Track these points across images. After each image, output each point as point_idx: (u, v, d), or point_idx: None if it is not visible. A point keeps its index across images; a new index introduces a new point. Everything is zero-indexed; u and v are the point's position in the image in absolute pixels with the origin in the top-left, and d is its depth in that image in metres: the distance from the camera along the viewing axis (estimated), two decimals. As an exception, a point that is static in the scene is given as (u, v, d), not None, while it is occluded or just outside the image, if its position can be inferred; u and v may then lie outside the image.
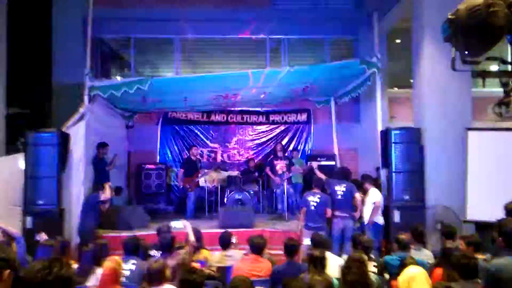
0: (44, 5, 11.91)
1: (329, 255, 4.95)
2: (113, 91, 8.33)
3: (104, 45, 12.78)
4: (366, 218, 7.68)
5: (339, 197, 7.70)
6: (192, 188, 10.07)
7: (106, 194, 7.63)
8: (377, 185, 8.23)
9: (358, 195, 7.79)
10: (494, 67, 3.39)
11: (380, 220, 7.69)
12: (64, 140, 7.89)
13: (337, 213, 7.58)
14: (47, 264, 2.12)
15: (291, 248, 5.19)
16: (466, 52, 2.96)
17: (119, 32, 12.59)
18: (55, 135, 7.77)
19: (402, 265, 4.53)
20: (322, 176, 8.18)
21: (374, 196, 7.66)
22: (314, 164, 9.67)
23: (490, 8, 2.78)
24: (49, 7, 11.97)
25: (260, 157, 12.33)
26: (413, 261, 4.62)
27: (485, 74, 3.19)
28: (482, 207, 7.27)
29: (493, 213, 6.32)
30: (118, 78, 12.32)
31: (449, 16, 3.01)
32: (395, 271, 4.72)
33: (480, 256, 4.59)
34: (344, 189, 7.79)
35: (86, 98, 8.29)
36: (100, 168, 8.94)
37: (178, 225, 6.38)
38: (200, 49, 13.05)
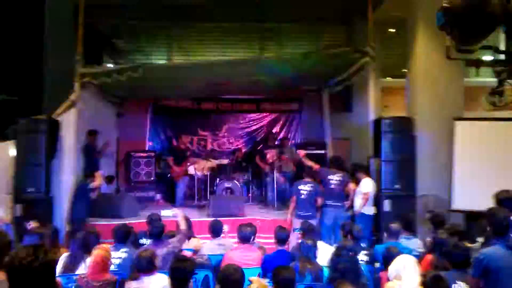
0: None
1: (319, 243, 4.96)
2: (104, 77, 8.24)
3: (95, 31, 12.61)
4: (357, 207, 7.68)
5: (333, 186, 7.70)
6: (179, 176, 10.02)
7: (97, 182, 7.58)
8: (368, 174, 8.23)
9: (351, 185, 7.81)
10: (487, 57, 3.37)
11: (370, 210, 7.67)
12: (54, 127, 7.81)
13: (330, 202, 7.57)
14: (32, 251, 2.09)
15: (281, 236, 5.19)
16: (461, 41, 2.94)
17: (111, 18, 12.43)
18: (45, 122, 7.68)
19: (388, 254, 4.54)
20: (312, 164, 8.14)
21: (366, 187, 7.65)
22: (301, 153, 9.60)
23: (485, -4, 2.77)
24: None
25: (250, 146, 12.29)
26: (396, 250, 4.63)
27: (479, 63, 3.17)
28: (470, 196, 7.32)
29: (481, 203, 6.39)
30: (110, 65, 12.19)
31: (444, 5, 2.98)
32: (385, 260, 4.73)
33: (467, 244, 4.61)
34: (340, 178, 7.79)
35: (77, 85, 8.20)
36: (90, 156, 8.88)
37: (169, 213, 6.36)
38: (192, 37, 12.94)
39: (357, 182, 7.96)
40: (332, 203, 7.58)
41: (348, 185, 7.73)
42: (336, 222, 7.54)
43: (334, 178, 7.73)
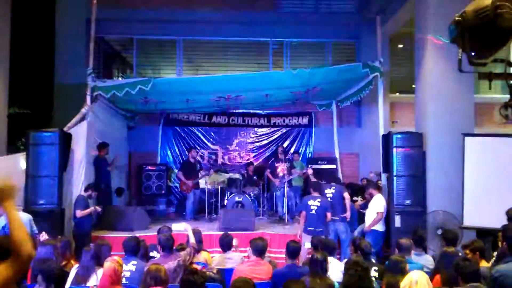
0: (48, 5, 11.94)
1: (330, 258, 4.93)
2: (115, 91, 8.34)
3: (106, 45, 12.80)
4: (368, 223, 7.63)
5: (329, 199, 7.71)
6: (188, 189, 10.04)
7: (85, 211, 7.55)
8: (380, 190, 8.20)
9: (347, 195, 7.81)
10: (499, 70, 3.36)
11: (380, 227, 7.61)
12: (65, 140, 7.86)
13: (329, 217, 7.59)
14: None
15: (293, 250, 5.16)
16: (473, 54, 2.94)
17: (121, 32, 12.60)
18: (57, 135, 7.71)
19: (400, 269, 4.50)
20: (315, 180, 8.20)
21: (380, 206, 7.55)
22: (310, 171, 9.64)
23: (497, 10, 2.77)
24: (52, 7, 12.01)
25: (261, 160, 12.30)
26: (405, 265, 4.59)
27: (491, 76, 3.16)
28: (480, 213, 7.23)
29: (492, 220, 6.33)
30: (120, 79, 12.33)
31: (456, 18, 2.99)
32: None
33: (485, 264, 4.56)
34: (334, 191, 7.80)
35: (88, 98, 8.29)
36: (101, 168, 8.94)
37: (179, 227, 6.36)
38: (202, 51, 13.07)
39: (364, 197, 7.95)
40: (331, 217, 7.58)
41: (344, 196, 7.76)
42: (337, 236, 7.52)
43: (330, 191, 7.85)
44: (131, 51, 12.85)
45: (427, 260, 5.73)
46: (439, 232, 7.18)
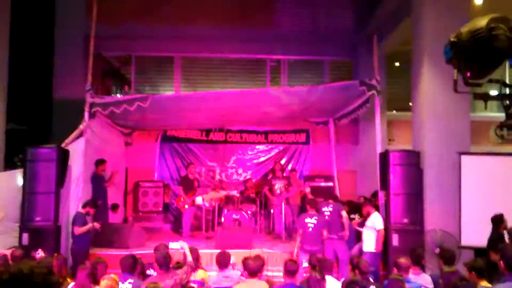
0: (47, 21, 12.03)
1: (328, 278, 4.91)
2: (113, 108, 8.34)
3: (104, 62, 12.85)
4: (366, 242, 7.54)
5: (326, 217, 7.69)
6: (185, 206, 10.00)
7: (82, 229, 7.51)
8: (376, 208, 8.18)
9: (344, 213, 7.79)
10: (494, 91, 3.40)
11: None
12: (63, 156, 7.85)
13: (326, 234, 7.56)
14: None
15: (291, 268, 5.13)
16: (468, 74, 2.97)
17: (120, 49, 12.67)
18: (54, 151, 7.70)
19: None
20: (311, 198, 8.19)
21: (378, 223, 7.50)
22: (307, 188, 9.64)
23: (492, 32, 2.81)
24: (51, 23, 12.10)
25: (258, 177, 12.28)
26: (403, 284, 4.58)
27: (487, 97, 3.20)
28: (479, 232, 7.18)
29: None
30: (118, 95, 12.36)
31: (452, 39, 3.04)
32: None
33: (484, 284, 4.53)
34: (331, 209, 7.78)
35: (86, 114, 8.30)
36: (98, 185, 8.91)
37: (176, 245, 6.34)
38: (200, 68, 13.15)
39: (361, 215, 7.93)
40: (329, 236, 7.54)
41: (342, 214, 7.76)
42: (336, 255, 7.48)
43: (327, 209, 7.85)
44: (129, 67, 12.91)
45: (425, 280, 5.70)
46: (437, 251, 7.15)
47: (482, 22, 2.90)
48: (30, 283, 1.89)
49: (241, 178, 12.25)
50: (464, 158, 7.73)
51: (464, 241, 7.48)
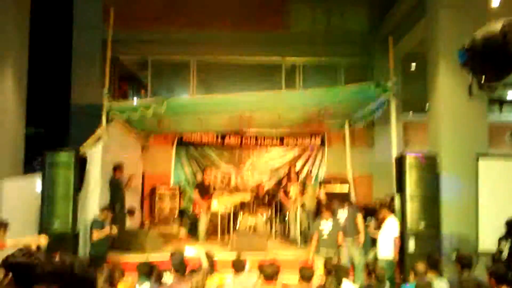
0: (65, 27, 12.21)
1: (344, 283, 4.89)
2: (130, 112, 8.41)
3: (121, 66, 12.97)
4: (382, 248, 7.47)
5: (342, 222, 7.65)
6: (200, 211, 10.02)
7: (101, 233, 7.57)
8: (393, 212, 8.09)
9: (360, 218, 7.73)
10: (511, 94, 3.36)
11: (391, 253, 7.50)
12: (81, 161, 7.90)
13: (341, 239, 7.51)
14: None
15: (306, 274, 5.13)
16: (483, 79, 2.94)
17: (136, 54, 12.79)
18: (73, 156, 7.70)
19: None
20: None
21: (394, 229, 7.44)
22: (322, 192, 9.61)
23: (506, 36, 2.78)
24: (69, 28, 12.26)
25: (273, 181, 12.27)
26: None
27: (502, 101, 3.17)
28: (495, 237, 7.07)
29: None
30: (135, 99, 12.45)
31: (466, 43, 3.01)
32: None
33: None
34: (347, 213, 7.74)
35: (103, 119, 8.37)
36: (116, 190, 8.98)
37: (192, 252, 6.37)
38: (215, 72, 13.20)
39: (378, 218, 7.86)
40: (345, 240, 7.49)
41: (357, 218, 7.69)
42: (352, 260, 7.43)
43: (343, 214, 7.83)
44: (145, 72, 13.01)
45: (443, 285, 5.64)
46: (454, 257, 7.05)
47: (496, 26, 2.86)
48: (71, 274, 1.96)
49: (257, 182, 12.23)
50: (481, 161, 7.62)
51: (482, 246, 7.36)
